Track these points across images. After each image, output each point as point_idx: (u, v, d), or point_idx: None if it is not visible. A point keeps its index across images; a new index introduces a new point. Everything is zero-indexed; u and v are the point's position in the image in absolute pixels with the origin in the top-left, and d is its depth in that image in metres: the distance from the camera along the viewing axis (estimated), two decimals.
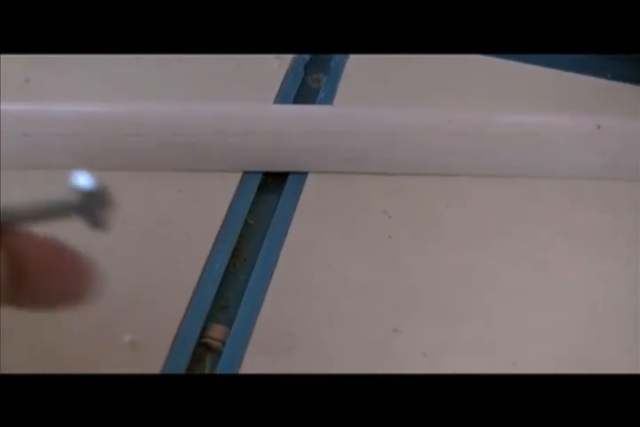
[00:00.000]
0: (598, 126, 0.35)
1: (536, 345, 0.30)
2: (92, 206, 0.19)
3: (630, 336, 0.31)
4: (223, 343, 0.30)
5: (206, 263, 0.32)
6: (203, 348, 0.30)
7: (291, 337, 0.30)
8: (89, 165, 0.34)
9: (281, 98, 0.38)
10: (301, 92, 0.39)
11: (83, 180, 0.19)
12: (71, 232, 0.19)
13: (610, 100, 0.40)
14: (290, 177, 0.35)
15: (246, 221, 0.34)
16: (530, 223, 0.34)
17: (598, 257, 0.33)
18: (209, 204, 0.34)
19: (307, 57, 0.40)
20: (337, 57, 0.40)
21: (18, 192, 0.32)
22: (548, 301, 0.32)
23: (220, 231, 0.33)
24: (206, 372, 0.30)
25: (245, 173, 0.35)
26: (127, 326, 0.30)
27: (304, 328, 0.30)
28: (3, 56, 0.36)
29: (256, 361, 0.29)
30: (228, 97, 0.37)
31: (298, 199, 0.34)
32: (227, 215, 0.33)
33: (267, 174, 0.35)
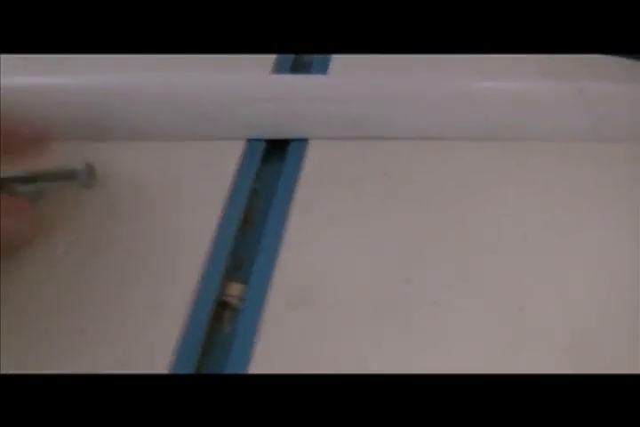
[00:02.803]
0: (580, 90, 0.37)
1: (542, 289, 0.32)
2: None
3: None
4: (241, 301, 0.31)
5: (218, 227, 0.33)
6: (221, 306, 0.31)
7: (308, 291, 0.31)
8: (95, 135, 0.35)
9: (277, 71, 0.39)
10: (296, 65, 0.40)
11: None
12: None
13: (589, 68, 0.42)
14: (292, 144, 0.36)
15: (253, 187, 0.35)
16: (520, 182, 0.36)
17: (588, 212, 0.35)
18: (215, 171, 0.35)
19: None
20: None
21: None
22: (546, 249, 0.33)
23: (229, 197, 0.34)
24: (226, 328, 0.30)
25: (249, 140, 0.36)
26: (146, 283, 0.31)
27: (319, 282, 0.31)
28: None
29: (274, 316, 0.30)
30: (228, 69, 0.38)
31: (301, 164, 0.35)
32: (233, 182, 0.34)
33: (269, 142, 0.36)
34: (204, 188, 0.34)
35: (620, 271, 0.33)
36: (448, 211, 0.34)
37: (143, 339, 0.29)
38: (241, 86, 0.35)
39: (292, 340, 0.30)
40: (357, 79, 0.36)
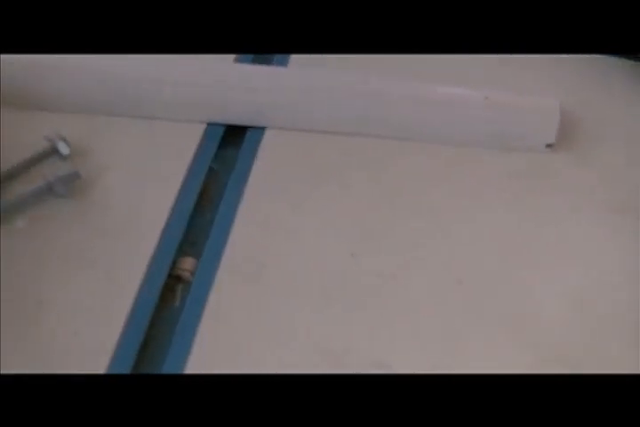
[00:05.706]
0: (486, 97, 0.37)
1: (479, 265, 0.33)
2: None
3: None
4: (193, 275, 0.32)
5: (175, 203, 0.34)
6: (174, 279, 0.32)
7: (258, 266, 0.32)
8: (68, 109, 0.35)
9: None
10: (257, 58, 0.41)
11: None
12: None
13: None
14: (249, 131, 0.37)
15: (212, 167, 0.36)
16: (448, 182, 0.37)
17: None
18: (176, 151, 0.36)
19: None
20: None
21: None
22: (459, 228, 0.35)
23: (186, 175, 0.35)
24: (177, 302, 0.31)
25: (209, 124, 0.37)
26: (101, 257, 0.31)
27: (270, 257, 0.32)
28: None
29: (224, 289, 0.31)
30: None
31: (257, 149, 0.36)
32: (193, 160, 0.35)
33: (229, 129, 0.37)
34: (164, 165, 0.35)
35: None
36: (392, 197, 0.36)
37: (96, 310, 0.30)
38: (203, 72, 0.36)
39: (239, 313, 0.31)
40: (312, 72, 0.38)
